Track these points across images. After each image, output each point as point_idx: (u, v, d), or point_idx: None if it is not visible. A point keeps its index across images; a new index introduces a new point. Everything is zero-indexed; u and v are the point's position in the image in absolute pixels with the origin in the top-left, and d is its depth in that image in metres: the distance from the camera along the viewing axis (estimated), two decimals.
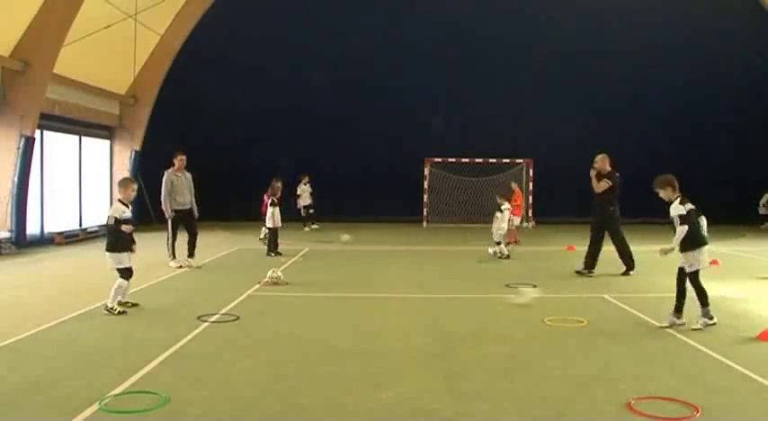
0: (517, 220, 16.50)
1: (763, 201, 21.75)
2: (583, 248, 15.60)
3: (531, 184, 21.95)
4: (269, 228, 13.73)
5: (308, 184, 20.08)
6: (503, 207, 13.57)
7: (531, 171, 21.83)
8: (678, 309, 7.48)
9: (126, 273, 8.06)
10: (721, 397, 5.12)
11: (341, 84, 21.76)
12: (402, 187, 21.76)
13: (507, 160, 21.95)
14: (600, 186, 11.19)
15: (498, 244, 13.50)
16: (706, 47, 20.63)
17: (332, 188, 21.24)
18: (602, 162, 11.38)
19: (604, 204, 11.28)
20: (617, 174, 11.30)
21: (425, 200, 22.09)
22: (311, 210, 19.99)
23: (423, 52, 21.57)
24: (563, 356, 6.28)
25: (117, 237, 8.03)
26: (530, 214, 21.62)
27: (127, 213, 8.12)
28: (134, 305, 8.26)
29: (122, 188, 8.40)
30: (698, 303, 7.43)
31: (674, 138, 21.79)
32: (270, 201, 13.69)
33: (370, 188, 21.57)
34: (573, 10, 21.18)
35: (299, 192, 19.74)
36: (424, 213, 22.09)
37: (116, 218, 7.99)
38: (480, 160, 21.56)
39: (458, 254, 14.39)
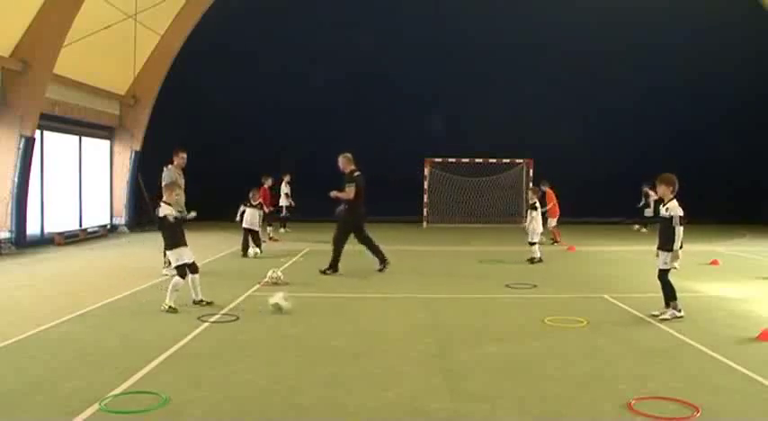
0: (553, 222, 16.42)
1: (650, 199, 20.16)
2: (584, 248, 15.65)
3: (531, 184, 21.94)
4: (244, 229, 13.89)
5: (287, 185, 19.10)
6: (537, 204, 13.16)
7: (531, 171, 21.84)
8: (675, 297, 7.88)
9: (181, 270, 8.19)
10: (721, 397, 5.12)
11: (341, 84, 21.76)
12: (402, 187, 21.74)
13: (507, 160, 21.96)
14: (348, 193, 11.42)
15: (533, 245, 12.90)
16: (706, 47, 20.63)
17: (332, 188, 21.21)
18: (342, 163, 11.66)
19: (344, 202, 11.64)
20: (358, 174, 11.61)
21: (425, 200, 22.09)
22: (282, 213, 19.06)
23: (423, 52, 21.58)
24: (563, 356, 6.28)
25: (172, 234, 8.34)
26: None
27: (170, 211, 8.47)
28: (208, 303, 8.33)
29: (167, 191, 8.75)
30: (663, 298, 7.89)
31: (673, 137, 21.79)
32: (248, 204, 13.93)
33: (370, 188, 21.43)
34: (573, 10, 21.18)
35: (285, 192, 19.01)
36: (424, 213, 22.09)
37: (169, 215, 8.34)
38: (480, 160, 21.57)
39: (458, 254, 14.39)
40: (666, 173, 7.99)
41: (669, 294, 7.85)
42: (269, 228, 16.89)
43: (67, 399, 4.91)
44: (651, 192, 19.76)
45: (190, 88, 20.61)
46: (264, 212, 15.47)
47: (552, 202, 16.55)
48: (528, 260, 12.83)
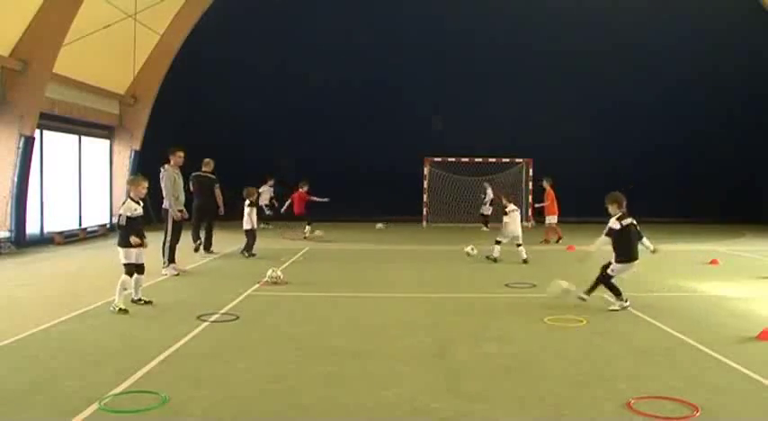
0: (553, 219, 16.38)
1: (487, 199, 20.01)
2: (583, 248, 15.70)
3: (530, 184, 21.96)
4: (245, 230, 13.40)
5: (271, 188, 19.58)
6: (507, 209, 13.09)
7: (530, 170, 21.85)
8: (618, 294, 8.39)
9: (129, 269, 8.11)
10: (721, 396, 5.12)
11: (341, 83, 21.77)
12: (402, 187, 21.75)
13: (507, 160, 21.97)
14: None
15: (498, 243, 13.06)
16: (705, 47, 20.66)
17: (331, 188, 21.21)
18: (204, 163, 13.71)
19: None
20: (193, 174, 13.32)
21: (425, 199, 22.09)
22: (267, 212, 19.35)
23: (423, 52, 21.59)
24: (563, 356, 6.28)
25: (127, 233, 8.10)
26: (529, 213, 21.61)
27: (139, 210, 8.28)
28: (147, 302, 8.31)
29: (133, 186, 8.50)
30: (609, 293, 8.47)
31: (673, 137, 21.80)
32: (247, 203, 13.45)
33: (370, 188, 21.57)
34: (573, 10, 21.19)
35: (260, 191, 18.66)
36: (424, 213, 22.09)
37: (127, 216, 8.12)
38: (480, 159, 21.57)
39: (458, 253, 14.37)
40: (614, 192, 8.61)
41: (593, 288, 8.50)
42: (307, 228, 17.15)
43: (67, 399, 4.91)
44: (489, 191, 19.48)
45: (190, 88, 20.61)
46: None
47: (550, 200, 16.48)
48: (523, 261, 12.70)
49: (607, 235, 8.40)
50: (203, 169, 13.61)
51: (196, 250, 13.46)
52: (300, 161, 20.73)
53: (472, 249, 13.48)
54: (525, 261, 12.67)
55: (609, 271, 8.38)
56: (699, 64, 20.84)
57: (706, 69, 20.90)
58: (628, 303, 8.32)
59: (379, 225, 16.47)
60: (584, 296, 8.51)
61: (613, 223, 8.36)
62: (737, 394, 5.19)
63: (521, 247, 12.84)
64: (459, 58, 21.75)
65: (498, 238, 13.08)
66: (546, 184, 16.70)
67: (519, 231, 12.92)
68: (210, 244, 13.78)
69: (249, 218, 13.34)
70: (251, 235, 13.38)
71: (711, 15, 20.69)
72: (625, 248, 8.31)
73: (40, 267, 12.08)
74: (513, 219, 12.91)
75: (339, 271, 12.00)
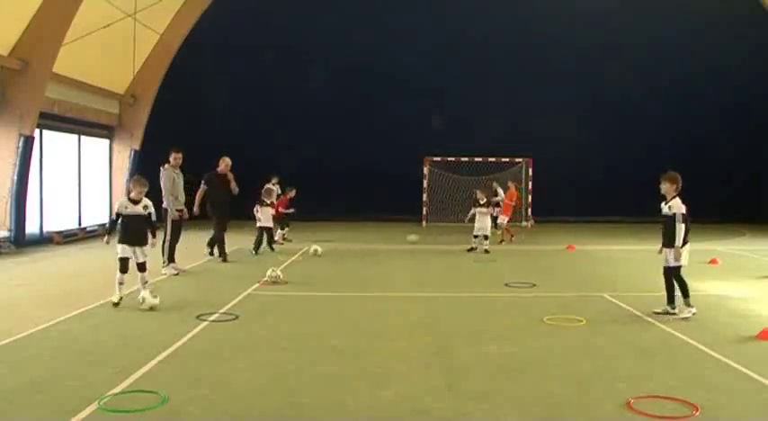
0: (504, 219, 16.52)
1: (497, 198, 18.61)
2: (582, 248, 15.66)
3: (530, 183, 21.98)
4: (260, 228, 14.05)
5: (276, 186, 17.94)
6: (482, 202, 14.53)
7: (530, 170, 21.85)
8: (671, 300, 8.02)
9: (122, 265, 8.38)
10: (721, 396, 5.12)
11: (340, 83, 21.76)
12: (401, 186, 21.76)
13: (507, 159, 21.98)
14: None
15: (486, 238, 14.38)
16: (705, 46, 20.65)
17: (331, 187, 21.24)
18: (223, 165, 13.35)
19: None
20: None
21: (425, 199, 22.10)
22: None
23: (422, 51, 21.59)
24: (563, 356, 6.28)
25: (120, 228, 8.51)
26: (529, 213, 21.64)
27: (130, 209, 8.51)
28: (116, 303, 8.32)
29: (132, 186, 8.81)
30: (680, 295, 7.93)
31: (673, 137, 21.82)
32: (260, 202, 14.14)
33: (370, 187, 21.57)
34: (573, 9, 21.20)
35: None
36: (424, 212, 22.10)
37: (117, 213, 8.53)
38: (480, 159, 21.58)
39: (457, 253, 14.39)
40: (672, 171, 8.07)
41: (671, 292, 7.98)
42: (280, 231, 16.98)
43: (66, 398, 4.91)
44: (500, 190, 19.26)
45: (189, 87, 20.59)
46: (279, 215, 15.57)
47: (507, 200, 16.53)
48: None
49: (683, 222, 7.69)
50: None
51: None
52: (300, 161, 20.71)
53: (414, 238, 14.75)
54: (481, 250, 14.17)
55: (672, 264, 7.82)
56: (699, 63, 20.84)
57: (706, 69, 20.89)
58: (684, 315, 7.80)
59: (412, 236, 15.77)
60: (692, 309, 7.82)
61: (681, 207, 7.75)
62: (737, 394, 5.19)
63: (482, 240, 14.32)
64: (460, 58, 21.76)
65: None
66: (511, 185, 17.05)
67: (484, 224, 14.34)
68: (212, 249, 13.17)
69: (267, 217, 14.12)
70: (266, 231, 14.10)
71: (711, 15, 20.69)
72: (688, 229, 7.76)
73: (40, 267, 12.07)
74: (483, 214, 14.37)
75: (339, 270, 11.99)
